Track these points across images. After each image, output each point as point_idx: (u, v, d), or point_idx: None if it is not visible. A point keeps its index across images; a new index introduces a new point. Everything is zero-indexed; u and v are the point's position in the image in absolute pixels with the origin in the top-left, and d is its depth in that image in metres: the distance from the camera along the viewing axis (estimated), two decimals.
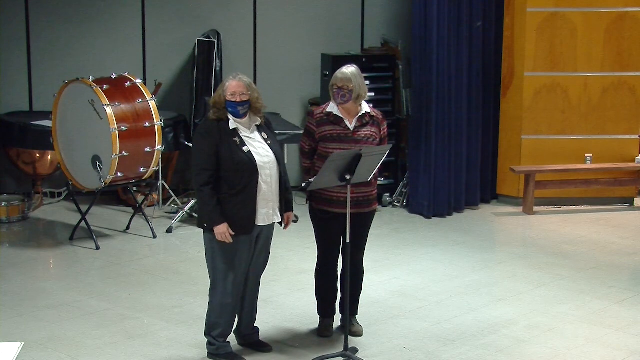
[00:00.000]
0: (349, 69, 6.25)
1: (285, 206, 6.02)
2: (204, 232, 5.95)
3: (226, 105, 5.85)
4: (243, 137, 5.86)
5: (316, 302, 6.55)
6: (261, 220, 5.89)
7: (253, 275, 6.09)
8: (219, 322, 5.99)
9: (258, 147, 5.88)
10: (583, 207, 10.13)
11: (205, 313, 6.07)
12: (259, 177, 5.81)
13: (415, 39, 9.62)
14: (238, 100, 5.84)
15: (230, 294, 5.93)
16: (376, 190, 6.40)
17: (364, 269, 6.53)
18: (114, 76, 8.67)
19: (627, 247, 8.76)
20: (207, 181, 5.78)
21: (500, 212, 9.96)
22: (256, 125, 5.97)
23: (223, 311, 5.97)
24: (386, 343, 6.40)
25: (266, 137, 5.97)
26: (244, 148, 5.82)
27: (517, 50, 9.94)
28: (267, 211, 5.90)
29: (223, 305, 5.95)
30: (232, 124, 5.86)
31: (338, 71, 6.27)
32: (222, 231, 5.77)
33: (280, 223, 6.04)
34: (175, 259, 8.24)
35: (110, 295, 7.27)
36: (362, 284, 6.56)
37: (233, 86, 5.85)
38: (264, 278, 6.25)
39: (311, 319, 6.65)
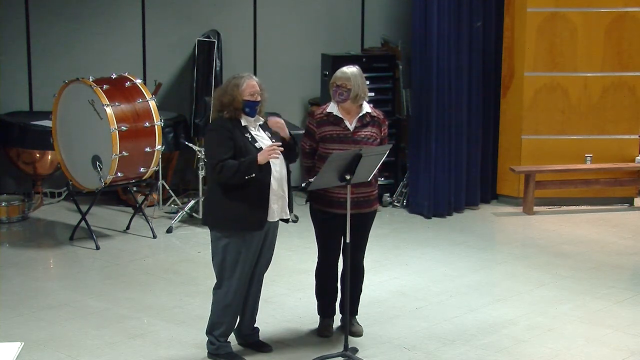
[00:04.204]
0: (350, 69, 6.26)
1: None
2: (210, 231, 5.95)
3: (244, 105, 5.85)
4: (253, 135, 5.89)
5: (316, 302, 6.55)
6: (271, 216, 5.91)
7: (257, 274, 6.10)
8: (221, 322, 5.99)
9: (266, 144, 5.91)
10: (583, 207, 10.13)
11: (207, 312, 6.07)
12: (271, 174, 5.83)
13: (415, 39, 9.62)
14: (257, 99, 5.88)
15: (235, 293, 5.93)
16: (377, 191, 6.39)
17: (364, 269, 6.53)
18: (114, 76, 8.67)
19: (627, 247, 8.76)
20: (222, 163, 5.76)
21: (500, 212, 9.96)
22: (259, 124, 6.00)
23: (226, 310, 5.97)
24: (386, 343, 6.40)
25: (269, 135, 6.00)
26: (256, 144, 5.85)
27: (517, 50, 9.94)
28: (277, 207, 5.93)
29: (227, 304, 5.95)
30: (243, 121, 5.89)
31: (339, 70, 6.28)
32: (265, 153, 5.71)
33: (286, 220, 6.06)
34: (175, 259, 8.24)
35: (110, 295, 7.27)
36: (362, 284, 6.56)
37: (252, 85, 5.88)
38: (264, 278, 6.24)
39: (311, 319, 6.65)
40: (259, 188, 5.81)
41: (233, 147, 5.79)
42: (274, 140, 5.96)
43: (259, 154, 5.73)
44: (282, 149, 5.80)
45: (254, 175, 5.73)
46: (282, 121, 5.97)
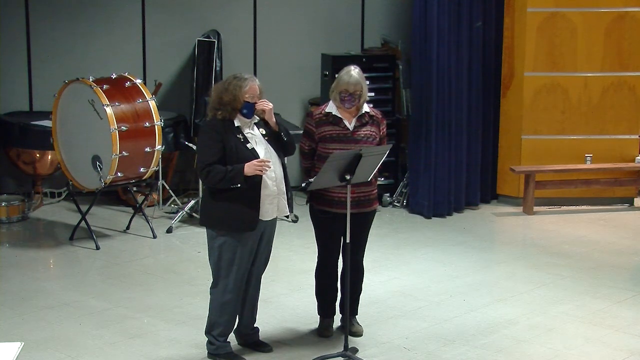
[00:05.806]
0: (355, 71, 6.19)
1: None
2: (207, 230, 5.95)
3: (243, 106, 5.85)
4: (246, 134, 5.89)
5: (316, 302, 6.55)
6: (265, 215, 5.90)
7: (255, 274, 6.10)
8: (219, 321, 5.99)
9: (259, 144, 5.91)
10: (583, 207, 10.13)
11: (206, 312, 6.07)
12: (261, 178, 5.82)
13: (415, 39, 9.62)
14: (257, 101, 5.87)
15: (231, 292, 5.93)
16: (377, 190, 6.40)
17: (364, 269, 6.53)
18: (114, 76, 8.67)
19: (627, 247, 8.76)
20: (210, 167, 5.78)
21: (500, 212, 9.96)
22: (254, 122, 6.00)
23: (223, 310, 5.97)
24: (386, 343, 6.40)
25: (264, 132, 5.99)
26: (248, 145, 5.84)
27: (517, 50, 9.94)
28: (272, 207, 5.92)
29: (223, 303, 5.95)
30: (236, 121, 5.89)
31: (345, 75, 6.17)
32: (253, 167, 5.73)
33: (287, 216, 6.05)
34: (175, 259, 8.24)
35: (110, 295, 7.27)
36: (362, 284, 6.56)
37: (254, 89, 5.87)
38: (264, 278, 6.25)
39: (311, 319, 6.65)
40: (249, 189, 5.80)
41: (222, 150, 5.79)
42: (266, 138, 5.96)
43: (246, 165, 5.73)
44: (270, 166, 5.78)
45: (239, 185, 5.74)
46: (270, 105, 5.91)
